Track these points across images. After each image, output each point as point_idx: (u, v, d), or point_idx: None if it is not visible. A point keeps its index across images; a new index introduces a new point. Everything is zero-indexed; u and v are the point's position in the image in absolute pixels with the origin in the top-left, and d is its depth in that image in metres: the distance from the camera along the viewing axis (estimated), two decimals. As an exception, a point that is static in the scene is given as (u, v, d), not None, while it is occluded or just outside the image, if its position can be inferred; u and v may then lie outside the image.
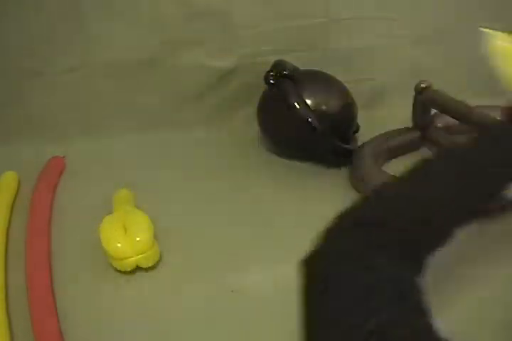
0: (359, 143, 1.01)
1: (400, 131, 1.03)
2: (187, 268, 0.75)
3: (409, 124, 1.04)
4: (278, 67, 0.98)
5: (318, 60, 1.10)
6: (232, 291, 0.70)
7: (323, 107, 0.94)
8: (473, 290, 0.67)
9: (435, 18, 1.14)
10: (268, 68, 0.98)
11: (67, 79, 1.04)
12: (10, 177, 0.94)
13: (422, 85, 0.97)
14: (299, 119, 0.91)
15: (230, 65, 1.09)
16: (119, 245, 0.72)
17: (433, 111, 1.01)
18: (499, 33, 0.57)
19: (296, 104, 0.91)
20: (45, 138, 1.04)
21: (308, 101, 0.93)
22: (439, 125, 1.04)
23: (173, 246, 0.77)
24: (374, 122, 1.09)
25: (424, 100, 0.98)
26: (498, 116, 0.92)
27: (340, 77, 1.01)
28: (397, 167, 0.96)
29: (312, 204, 0.85)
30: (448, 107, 0.96)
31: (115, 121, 1.09)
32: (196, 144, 1.04)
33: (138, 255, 0.72)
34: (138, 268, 0.73)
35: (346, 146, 0.97)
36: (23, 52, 1.00)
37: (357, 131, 1.03)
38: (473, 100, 0.95)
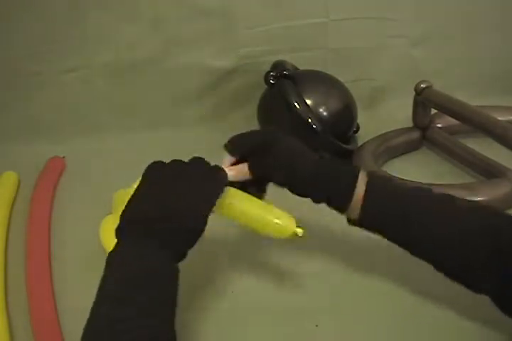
0: (359, 143, 1.01)
1: (400, 131, 1.03)
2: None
3: (409, 124, 1.04)
4: (278, 67, 0.98)
5: (318, 60, 1.10)
6: (233, 292, 0.70)
7: (323, 107, 0.94)
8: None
9: (435, 18, 1.14)
10: (268, 68, 0.99)
11: (67, 79, 1.04)
12: (10, 177, 0.94)
13: (422, 85, 0.97)
14: (299, 119, 0.91)
15: (230, 65, 1.09)
16: (119, 245, 0.72)
17: (433, 111, 1.01)
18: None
19: (296, 104, 0.91)
20: (45, 138, 1.04)
21: (308, 101, 0.93)
22: (439, 125, 1.04)
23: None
24: (374, 122, 1.10)
25: (424, 100, 0.98)
26: (498, 116, 0.92)
27: (340, 77, 1.01)
28: (397, 167, 0.97)
29: (312, 203, 0.85)
30: (448, 107, 0.96)
31: (115, 121, 1.09)
32: (196, 144, 1.04)
33: (138, 255, 0.72)
34: (138, 268, 0.73)
35: (346, 146, 0.97)
36: (24, 52, 1.00)
37: (357, 131, 1.03)
38: (473, 100, 0.95)
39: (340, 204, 0.60)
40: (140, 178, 0.58)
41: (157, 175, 0.57)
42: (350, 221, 0.62)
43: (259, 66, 1.05)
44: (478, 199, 0.82)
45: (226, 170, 0.61)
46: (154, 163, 0.59)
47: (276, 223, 0.59)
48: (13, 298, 0.70)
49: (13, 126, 1.05)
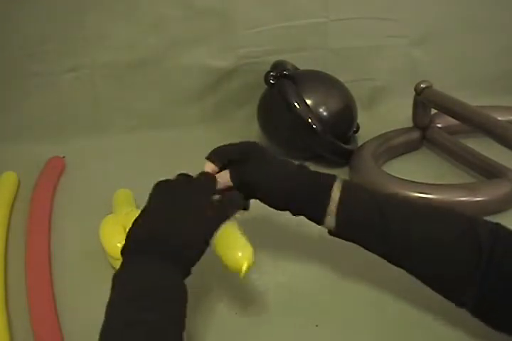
0: (359, 143, 1.01)
1: (400, 131, 1.03)
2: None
3: (409, 124, 1.04)
4: (278, 67, 0.98)
5: (318, 60, 1.10)
6: (233, 291, 0.70)
7: (323, 107, 0.94)
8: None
9: (435, 18, 1.14)
10: (268, 68, 0.99)
11: (67, 79, 1.04)
12: (10, 177, 0.94)
13: (422, 85, 0.97)
14: (299, 119, 0.91)
15: (230, 65, 1.09)
16: (119, 245, 0.71)
17: (433, 111, 1.02)
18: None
19: (296, 104, 0.91)
20: (45, 138, 1.04)
21: (308, 101, 0.93)
22: (439, 125, 1.04)
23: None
24: (374, 122, 1.10)
25: (424, 100, 0.98)
26: (498, 116, 0.92)
27: (340, 77, 1.01)
28: (397, 167, 0.97)
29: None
30: (448, 107, 0.96)
31: (115, 121, 1.09)
32: (196, 144, 1.04)
33: (138, 255, 0.72)
34: (138, 268, 0.73)
35: (346, 146, 0.97)
36: (23, 52, 1.00)
37: (357, 131, 1.03)
38: (473, 100, 0.95)
39: (316, 216, 0.62)
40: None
41: (162, 196, 0.60)
42: (330, 232, 0.63)
43: (259, 66, 1.05)
44: (478, 199, 0.83)
45: None
46: (161, 182, 0.62)
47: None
48: (13, 298, 0.70)
49: (13, 126, 1.05)
